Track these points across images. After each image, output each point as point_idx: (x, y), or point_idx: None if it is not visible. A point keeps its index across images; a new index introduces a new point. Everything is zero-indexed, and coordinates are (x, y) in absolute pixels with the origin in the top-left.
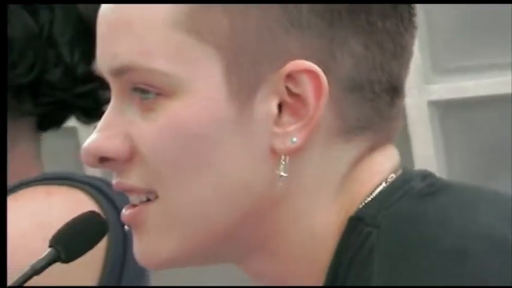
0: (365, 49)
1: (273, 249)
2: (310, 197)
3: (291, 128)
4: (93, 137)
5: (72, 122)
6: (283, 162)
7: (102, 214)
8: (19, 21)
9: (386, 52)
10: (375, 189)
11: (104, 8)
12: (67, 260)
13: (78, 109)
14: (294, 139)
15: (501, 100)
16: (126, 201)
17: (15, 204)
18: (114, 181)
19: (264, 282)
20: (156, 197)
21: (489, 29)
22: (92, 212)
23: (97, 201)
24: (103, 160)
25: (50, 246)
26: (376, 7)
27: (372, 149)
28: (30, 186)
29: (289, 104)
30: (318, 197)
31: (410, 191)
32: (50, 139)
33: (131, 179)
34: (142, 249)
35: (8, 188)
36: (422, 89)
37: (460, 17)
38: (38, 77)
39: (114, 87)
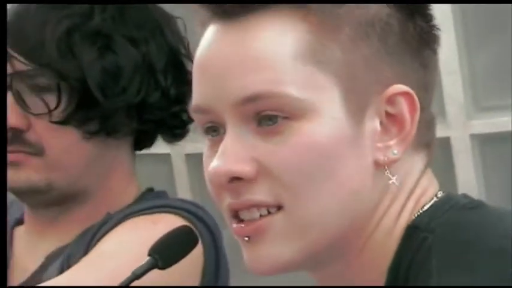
0: (432, 77)
1: (360, 248)
2: (393, 198)
3: (392, 142)
4: (220, 162)
5: (165, 149)
6: (388, 172)
7: (197, 235)
8: (126, 52)
9: (435, 79)
10: (429, 201)
11: (212, 50)
12: (164, 267)
13: (169, 128)
14: (395, 151)
15: None
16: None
17: (125, 233)
18: (236, 200)
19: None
20: (281, 209)
21: None
22: (184, 226)
23: (193, 224)
24: (232, 180)
25: (148, 255)
26: (436, 39)
27: (427, 166)
28: (136, 216)
29: (386, 122)
30: (396, 199)
31: (456, 205)
32: (146, 164)
33: (259, 194)
34: (261, 256)
35: (117, 217)
36: (465, 124)
37: (498, 61)
38: (143, 99)
39: (232, 117)
